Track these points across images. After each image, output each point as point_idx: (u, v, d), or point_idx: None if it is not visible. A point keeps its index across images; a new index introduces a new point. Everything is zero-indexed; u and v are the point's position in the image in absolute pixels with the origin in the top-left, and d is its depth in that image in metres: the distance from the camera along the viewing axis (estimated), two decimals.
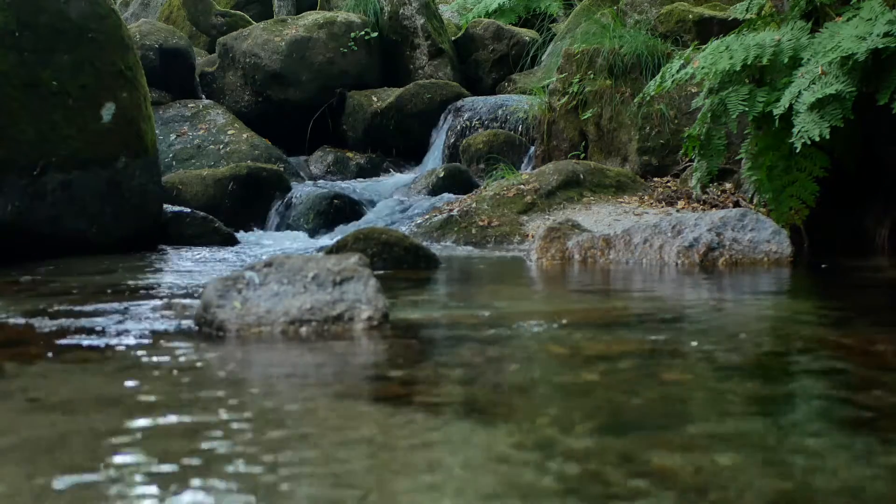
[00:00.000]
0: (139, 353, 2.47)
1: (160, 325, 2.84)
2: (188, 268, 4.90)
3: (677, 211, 6.06)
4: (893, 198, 4.80)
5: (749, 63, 4.62)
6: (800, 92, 4.37)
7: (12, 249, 5.13)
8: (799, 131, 4.30)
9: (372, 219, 7.14)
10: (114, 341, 2.63)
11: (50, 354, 2.48)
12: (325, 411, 1.86)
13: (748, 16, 5.70)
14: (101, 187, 5.70)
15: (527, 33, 11.01)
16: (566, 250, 4.61)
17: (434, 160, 9.21)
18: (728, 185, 6.50)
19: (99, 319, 2.97)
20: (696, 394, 1.98)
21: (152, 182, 6.05)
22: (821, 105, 4.29)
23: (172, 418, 1.81)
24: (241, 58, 10.08)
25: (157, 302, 3.46)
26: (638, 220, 5.50)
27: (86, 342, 2.63)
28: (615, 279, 4.16)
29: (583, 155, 7.58)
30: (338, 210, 7.62)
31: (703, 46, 5.08)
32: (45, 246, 5.34)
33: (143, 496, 1.39)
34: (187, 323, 2.81)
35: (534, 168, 7.64)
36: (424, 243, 5.08)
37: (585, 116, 7.53)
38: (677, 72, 5.03)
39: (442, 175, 7.85)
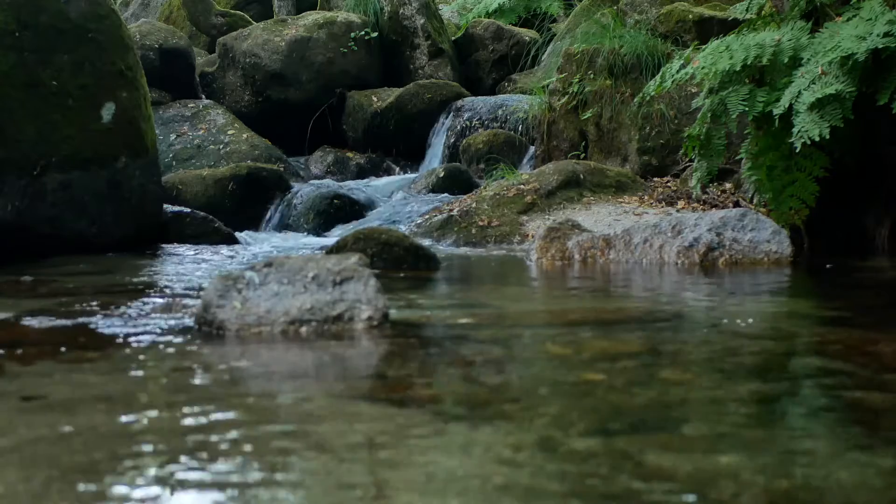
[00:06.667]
0: (139, 352, 2.47)
1: (160, 325, 2.84)
2: (188, 268, 4.90)
3: (677, 211, 6.06)
4: (893, 198, 4.80)
5: (749, 63, 4.62)
6: (800, 92, 4.37)
7: (12, 249, 5.12)
8: (799, 131, 4.30)
9: (372, 219, 7.14)
10: (114, 341, 2.63)
11: (50, 354, 2.48)
12: (325, 411, 1.86)
13: (748, 16, 5.70)
14: (101, 187, 5.69)
15: (527, 33, 11.01)
16: (566, 250, 4.61)
17: (434, 160, 9.21)
18: (728, 185, 6.50)
19: (99, 319, 2.97)
20: (696, 394, 1.98)
21: (152, 182, 6.04)
22: (821, 105, 4.28)
23: (172, 418, 1.81)
24: (241, 58, 10.08)
25: (157, 302, 3.46)
26: (638, 220, 5.50)
27: (86, 342, 2.63)
28: (615, 279, 4.16)
29: (583, 155, 7.58)
30: (338, 210, 7.62)
31: (703, 46, 5.08)
32: (45, 246, 5.34)
33: (144, 496, 1.39)
34: (187, 323, 2.81)
35: (534, 168, 7.63)
36: (424, 243, 5.07)
37: (585, 116, 7.53)
38: (677, 72, 5.02)
39: (442, 175, 7.84)
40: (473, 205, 6.32)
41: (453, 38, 11.03)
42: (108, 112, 5.73)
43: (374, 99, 9.83)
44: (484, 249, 5.71)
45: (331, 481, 1.43)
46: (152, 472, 1.49)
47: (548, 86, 8.08)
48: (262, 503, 1.36)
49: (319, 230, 7.39)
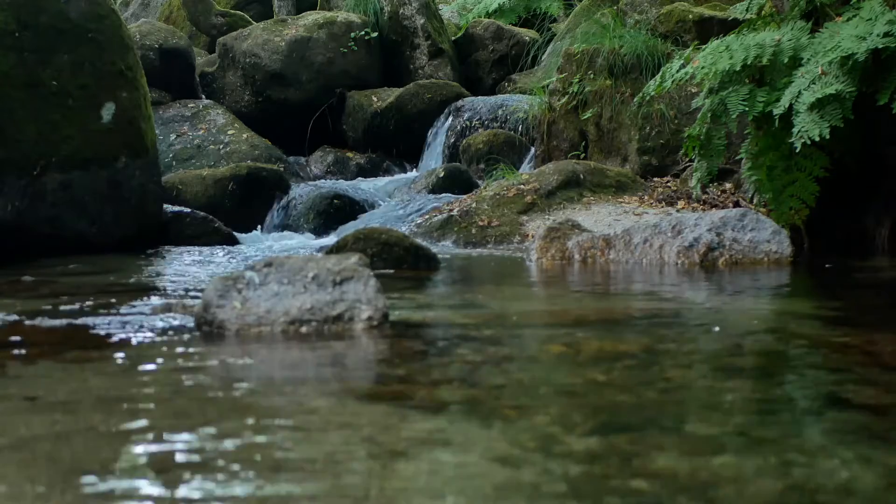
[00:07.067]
0: (139, 352, 2.47)
1: (160, 325, 2.84)
2: (188, 268, 4.90)
3: (677, 211, 6.06)
4: (893, 198, 4.80)
5: (749, 63, 4.62)
6: (800, 92, 4.37)
7: (12, 249, 5.13)
8: (799, 131, 4.30)
9: (372, 219, 7.14)
10: (114, 341, 2.63)
11: (50, 354, 2.48)
12: (325, 410, 1.86)
13: (748, 16, 5.70)
14: (101, 187, 5.70)
15: (527, 33, 11.01)
16: (566, 250, 4.61)
17: (434, 160, 9.20)
18: (728, 185, 6.50)
19: (99, 319, 2.97)
20: (697, 394, 1.98)
21: (152, 182, 6.04)
22: (821, 105, 4.28)
23: (171, 418, 1.81)
24: (241, 58, 10.08)
25: (158, 302, 3.46)
26: (638, 220, 5.50)
27: (86, 342, 2.64)
28: (615, 279, 4.16)
29: (583, 155, 7.58)
30: (338, 210, 7.62)
31: (703, 46, 5.08)
32: (45, 246, 5.34)
33: (144, 496, 1.39)
34: (187, 323, 2.81)
35: (534, 168, 7.63)
36: (424, 243, 5.07)
37: (585, 116, 7.53)
38: (677, 72, 5.02)
39: (442, 175, 7.84)
40: (473, 205, 6.32)
41: (453, 38, 11.03)
42: (108, 112, 5.73)
43: (374, 99, 9.83)
44: (484, 249, 5.72)
45: (331, 481, 1.43)
46: (152, 472, 1.49)
47: (548, 86, 8.08)
48: (262, 503, 1.36)
49: (319, 230, 7.39)
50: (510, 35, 10.86)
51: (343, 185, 8.39)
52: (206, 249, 5.83)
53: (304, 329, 2.60)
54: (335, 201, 7.67)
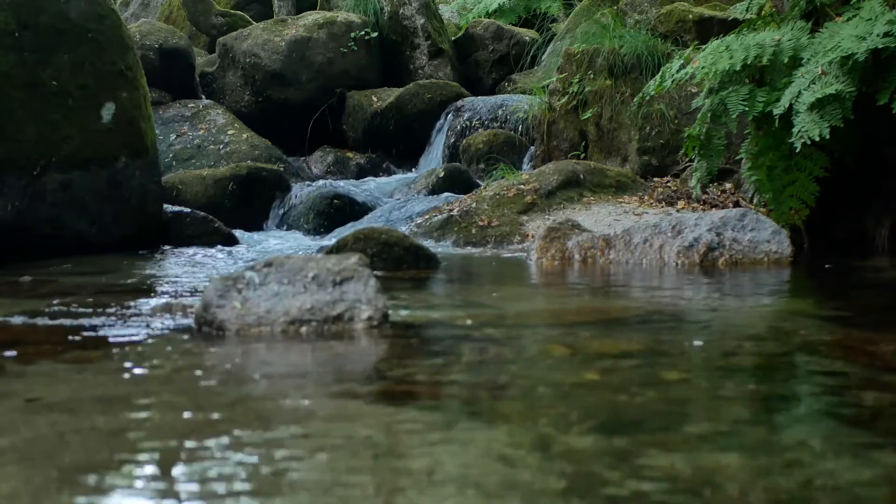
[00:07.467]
0: (139, 352, 2.47)
1: (160, 325, 2.84)
2: (188, 268, 4.90)
3: (677, 211, 6.06)
4: (893, 198, 4.80)
5: (749, 63, 4.62)
6: (800, 92, 4.37)
7: (12, 249, 5.12)
8: (799, 131, 4.30)
9: (372, 219, 7.14)
10: (114, 341, 2.63)
11: (50, 354, 2.48)
12: (326, 411, 1.86)
13: (748, 16, 5.70)
14: (101, 187, 5.69)
15: (527, 33, 11.00)
16: (566, 250, 4.61)
17: (434, 160, 9.20)
18: (728, 185, 6.50)
19: (99, 319, 2.97)
20: (696, 394, 1.98)
21: (152, 182, 6.04)
22: (821, 105, 4.28)
23: (172, 418, 1.81)
24: (241, 58, 10.08)
25: (157, 302, 3.46)
26: (638, 220, 5.50)
27: (86, 342, 2.63)
28: (615, 279, 4.16)
29: (583, 155, 7.58)
30: (338, 210, 7.61)
31: (703, 46, 5.08)
32: (45, 246, 5.34)
33: (144, 496, 1.39)
34: (187, 323, 2.81)
35: (534, 168, 7.63)
36: (424, 243, 5.07)
37: (585, 116, 7.53)
38: (677, 72, 5.02)
39: (442, 175, 7.84)
40: (473, 205, 6.32)
41: (453, 38, 11.03)
42: (108, 112, 5.73)
43: (374, 99, 9.83)
44: (484, 249, 5.71)
45: (331, 481, 1.43)
46: (152, 472, 1.49)
47: (548, 86, 8.08)
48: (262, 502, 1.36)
49: (319, 230, 7.39)
50: (510, 35, 10.86)
51: (343, 186, 8.39)
52: (206, 249, 5.83)
53: (304, 329, 2.60)
54: (335, 201, 7.67)
